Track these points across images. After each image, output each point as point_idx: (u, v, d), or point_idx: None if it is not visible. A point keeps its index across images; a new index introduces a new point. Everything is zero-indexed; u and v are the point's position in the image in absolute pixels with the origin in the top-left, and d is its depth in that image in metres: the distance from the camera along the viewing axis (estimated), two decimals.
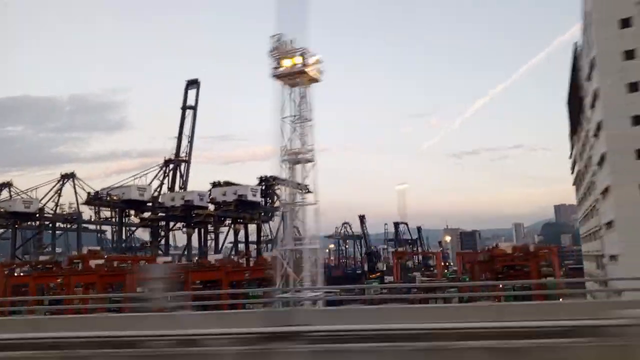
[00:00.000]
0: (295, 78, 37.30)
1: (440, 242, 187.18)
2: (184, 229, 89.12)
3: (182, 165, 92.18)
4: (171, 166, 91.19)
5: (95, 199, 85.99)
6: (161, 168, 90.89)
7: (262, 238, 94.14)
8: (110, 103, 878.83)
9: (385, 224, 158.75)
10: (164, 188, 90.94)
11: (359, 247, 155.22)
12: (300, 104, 37.93)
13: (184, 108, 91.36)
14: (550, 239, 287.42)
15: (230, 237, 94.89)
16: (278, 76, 37.37)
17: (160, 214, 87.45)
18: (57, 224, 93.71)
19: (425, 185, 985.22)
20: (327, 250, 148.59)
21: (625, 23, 41.55)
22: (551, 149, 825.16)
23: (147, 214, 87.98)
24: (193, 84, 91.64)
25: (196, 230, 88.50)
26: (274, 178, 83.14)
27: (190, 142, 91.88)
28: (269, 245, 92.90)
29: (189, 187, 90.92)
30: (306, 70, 36.89)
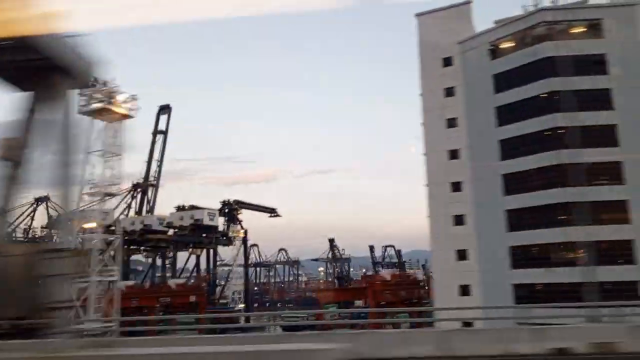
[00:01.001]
0: (104, 114, 37.11)
1: (423, 265, 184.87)
2: (144, 253, 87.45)
3: (150, 190, 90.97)
4: (139, 190, 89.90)
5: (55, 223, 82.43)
6: (129, 192, 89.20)
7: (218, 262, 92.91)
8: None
9: (371, 245, 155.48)
10: (132, 212, 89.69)
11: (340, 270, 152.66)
12: (112, 138, 37.82)
13: (155, 133, 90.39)
14: None
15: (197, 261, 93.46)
16: (85, 113, 36.80)
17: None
18: None
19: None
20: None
21: (447, 62, 44.44)
22: None
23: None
24: (165, 109, 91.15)
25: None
26: (238, 202, 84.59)
27: (159, 166, 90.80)
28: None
29: (158, 211, 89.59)
30: (113, 108, 37.03)
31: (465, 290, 39.97)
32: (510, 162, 39.33)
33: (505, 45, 41.46)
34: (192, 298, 72.33)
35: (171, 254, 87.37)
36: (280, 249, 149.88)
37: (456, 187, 41.98)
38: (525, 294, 36.94)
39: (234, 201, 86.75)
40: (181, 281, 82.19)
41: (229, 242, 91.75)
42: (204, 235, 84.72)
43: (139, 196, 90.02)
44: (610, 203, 35.84)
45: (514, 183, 39.11)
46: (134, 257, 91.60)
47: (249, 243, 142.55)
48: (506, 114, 40.30)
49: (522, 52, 40.09)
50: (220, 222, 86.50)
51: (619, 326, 12.41)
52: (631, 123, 36.60)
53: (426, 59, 45.34)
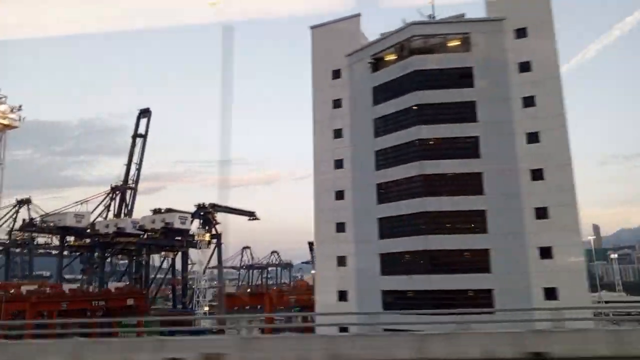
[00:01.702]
0: None
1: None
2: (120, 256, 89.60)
3: (129, 193, 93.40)
4: (117, 193, 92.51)
5: (29, 226, 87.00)
6: (107, 195, 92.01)
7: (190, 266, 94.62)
8: (118, 127, 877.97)
9: None
10: (110, 215, 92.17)
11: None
12: None
13: (134, 136, 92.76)
14: None
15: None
16: None
17: (87, 241, 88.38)
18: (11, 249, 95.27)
19: None
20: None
21: (336, 74, 45.57)
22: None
23: (87, 241, 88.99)
24: (145, 113, 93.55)
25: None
26: (214, 205, 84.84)
27: (138, 169, 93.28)
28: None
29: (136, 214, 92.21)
30: None
31: (342, 296, 41.04)
32: (383, 172, 40.49)
33: (384, 58, 42.61)
34: (130, 301, 73.63)
35: (144, 257, 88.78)
36: (273, 252, 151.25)
37: (340, 195, 43.05)
38: (392, 300, 38.08)
39: (210, 204, 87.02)
40: (121, 285, 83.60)
41: (203, 245, 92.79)
42: (178, 238, 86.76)
43: (118, 199, 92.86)
44: (470, 213, 36.94)
45: (385, 192, 40.28)
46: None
47: (242, 245, 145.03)
48: (382, 126, 41.48)
49: (396, 65, 41.25)
50: (195, 226, 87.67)
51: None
52: (493, 135, 37.73)
53: (318, 71, 46.43)
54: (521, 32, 38.90)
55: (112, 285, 79.80)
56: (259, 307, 52.07)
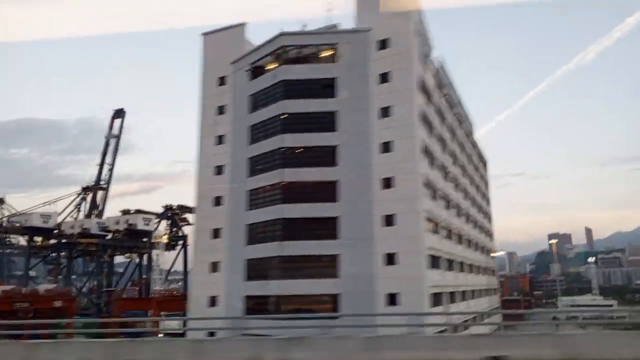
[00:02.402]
0: None
1: None
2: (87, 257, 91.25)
3: (100, 193, 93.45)
4: (89, 193, 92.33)
5: None
6: (78, 195, 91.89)
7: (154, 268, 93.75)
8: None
9: None
10: (81, 215, 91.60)
11: None
12: None
13: (108, 137, 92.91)
14: (542, 269, 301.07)
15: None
16: None
17: (52, 241, 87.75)
18: None
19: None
20: None
21: (221, 81, 46.44)
22: (552, 177, 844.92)
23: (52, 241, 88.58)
24: (119, 113, 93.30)
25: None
26: (181, 207, 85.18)
27: (111, 170, 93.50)
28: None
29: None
30: None
31: (213, 301, 41.93)
32: (253, 179, 41.44)
33: (261, 66, 43.53)
34: (58, 303, 73.39)
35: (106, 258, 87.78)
36: None
37: (217, 201, 43.93)
38: (253, 306, 39.08)
39: (178, 206, 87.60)
40: (51, 286, 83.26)
41: (161, 247, 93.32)
42: (144, 239, 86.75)
43: (89, 200, 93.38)
44: (323, 219, 37.96)
45: (254, 199, 41.22)
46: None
47: None
48: (255, 133, 42.43)
49: (268, 74, 42.20)
50: (163, 227, 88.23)
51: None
52: (351, 144, 38.78)
53: (206, 78, 47.32)
54: (384, 44, 39.98)
55: (42, 287, 79.51)
56: (148, 312, 53.06)
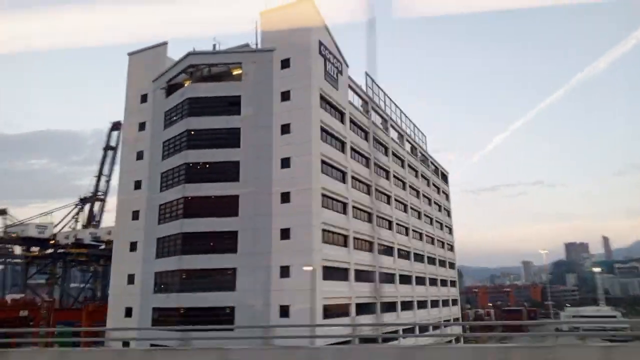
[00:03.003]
0: None
1: None
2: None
3: (98, 204, 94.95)
4: (87, 204, 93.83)
5: None
6: (76, 206, 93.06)
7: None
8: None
9: None
10: (79, 226, 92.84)
11: None
12: None
13: (106, 149, 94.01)
14: (558, 278, 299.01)
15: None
16: None
17: (49, 251, 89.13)
18: None
19: None
20: None
21: (143, 99, 47.78)
22: (571, 185, 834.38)
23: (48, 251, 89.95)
24: (117, 125, 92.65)
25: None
26: None
27: (108, 181, 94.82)
28: None
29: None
30: None
31: (128, 312, 42.85)
32: (163, 194, 42.56)
33: (175, 84, 44.85)
34: (24, 313, 74.70)
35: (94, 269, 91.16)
36: None
37: (135, 215, 45.02)
38: (158, 317, 40.01)
39: None
40: (18, 296, 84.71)
41: None
42: None
43: (87, 210, 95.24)
44: (223, 234, 38.93)
45: (162, 213, 42.31)
46: None
47: None
48: (166, 149, 43.66)
49: (178, 92, 43.50)
50: None
51: None
52: (253, 160, 39.87)
53: (131, 94, 48.69)
54: (286, 63, 41.22)
55: (9, 297, 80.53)
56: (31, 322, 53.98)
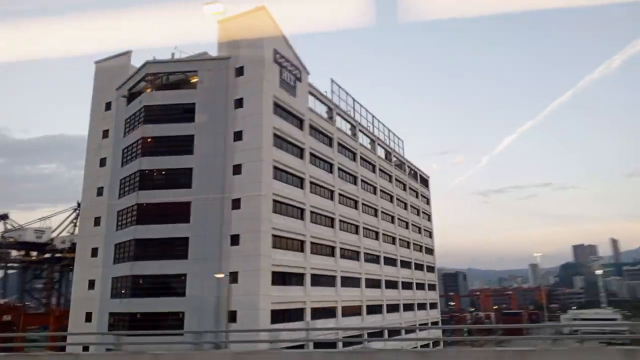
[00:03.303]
0: None
1: None
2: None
3: None
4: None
5: None
6: (74, 210, 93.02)
7: None
8: None
9: None
10: (77, 230, 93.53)
11: None
12: None
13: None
14: (565, 281, 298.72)
15: None
16: None
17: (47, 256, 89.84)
18: None
19: (449, 224, 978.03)
20: None
21: (107, 106, 48.56)
22: (580, 187, 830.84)
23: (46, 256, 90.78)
24: None
25: None
26: None
27: None
28: None
29: None
30: None
31: (88, 317, 43.52)
32: (121, 200, 43.22)
33: (135, 92, 45.57)
34: (7, 317, 75.68)
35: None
36: None
37: (97, 222, 45.72)
38: (114, 322, 40.60)
39: None
40: (1, 301, 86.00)
41: None
42: None
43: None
44: (175, 240, 39.49)
45: (120, 219, 42.96)
46: None
47: None
48: (125, 156, 44.36)
49: (136, 100, 44.22)
50: None
51: None
52: (206, 166, 40.45)
53: (96, 102, 49.50)
54: (240, 71, 41.84)
55: None
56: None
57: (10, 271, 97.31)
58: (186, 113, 41.93)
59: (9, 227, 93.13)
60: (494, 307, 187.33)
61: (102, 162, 47.16)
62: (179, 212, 39.79)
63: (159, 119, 42.05)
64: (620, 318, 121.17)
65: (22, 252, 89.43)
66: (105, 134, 47.86)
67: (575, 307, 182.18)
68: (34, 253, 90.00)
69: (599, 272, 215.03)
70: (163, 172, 41.24)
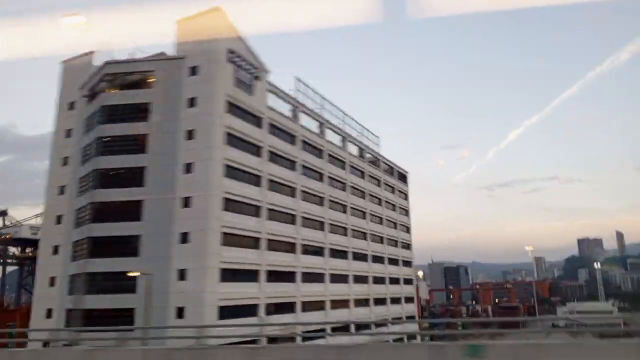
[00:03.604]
0: None
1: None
2: None
3: None
4: None
5: None
6: None
7: None
8: None
9: None
10: None
11: None
12: None
13: None
14: (570, 274, 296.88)
15: None
16: None
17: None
18: None
19: (454, 218, 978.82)
20: None
21: (71, 106, 49.26)
22: (587, 181, 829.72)
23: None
24: None
25: None
26: None
27: None
28: None
29: None
30: None
31: (49, 313, 44.43)
32: (79, 198, 44.00)
33: (96, 92, 46.17)
34: None
35: None
36: None
37: (59, 219, 46.54)
38: (69, 318, 41.50)
39: None
40: None
41: None
42: None
43: None
44: (128, 238, 40.25)
45: (78, 217, 43.76)
46: None
47: None
48: (84, 155, 45.10)
49: (96, 100, 44.88)
50: None
51: None
52: (158, 166, 41.12)
53: (62, 102, 50.19)
54: (194, 70, 42.40)
55: None
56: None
57: (11, 268, 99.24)
58: (141, 112, 42.54)
59: (7, 223, 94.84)
60: (496, 301, 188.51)
61: (65, 161, 47.87)
62: (132, 211, 40.50)
63: (115, 119, 42.73)
64: (616, 310, 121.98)
65: (19, 249, 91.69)
66: (69, 133, 48.55)
67: (574, 300, 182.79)
68: (29, 249, 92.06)
69: (597, 265, 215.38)
70: (118, 171, 41.94)
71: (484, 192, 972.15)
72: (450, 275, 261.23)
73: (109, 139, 42.52)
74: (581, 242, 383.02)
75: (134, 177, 41.27)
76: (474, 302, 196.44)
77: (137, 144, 41.94)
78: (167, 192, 40.35)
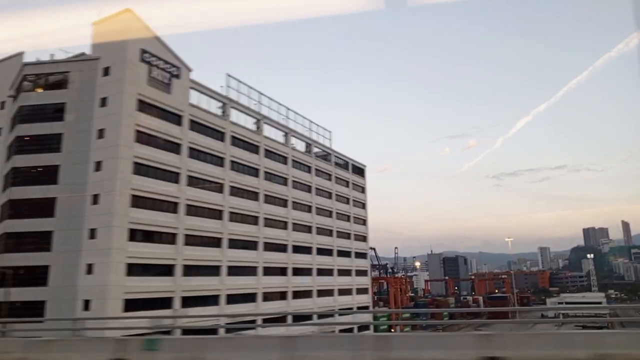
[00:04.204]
0: None
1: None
2: None
3: None
4: None
5: None
6: None
7: None
8: None
9: None
10: None
11: None
12: None
13: None
14: (575, 264, 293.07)
15: None
16: None
17: None
18: None
19: (462, 208, 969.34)
20: None
21: (2, 105, 50.77)
22: (595, 170, 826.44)
23: None
24: None
25: None
26: None
27: None
28: None
29: None
30: None
31: None
32: (1, 195, 45.68)
33: (22, 92, 47.64)
34: None
35: None
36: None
37: None
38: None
39: None
40: None
41: None
42: None
43: None
44: (41, 233, 41.88)
45: (1, 214, 45.46)
46: None
47: None
48: (7, 153, 46.64)
49: (17, 100, 46.34)
50: None
51: None
52: (72, 164, 42.60)
53: None
54: (107, 71, 43.68)
55: None
56: None
57: None
58: (58, 112, 43.99)
59: None
60: (488, 292, 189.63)
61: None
62: (46, 208, 42.09)
63: (33, 118, 44.20)
64: (605, 301, 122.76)
65: None
66: (0, 132, 50.16)
67: (568, 291, 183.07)
68: None
69: (590, 256, 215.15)
70: (34, 169, 43.48)
71: (493, 182, 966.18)
72: (450, 265, 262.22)
73: (27, 138, 44.02)
74: (587, 232, 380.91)
75: (49, 175, 42.80)
76: (473, 293, 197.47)
77: (52, 143, 43.39)
78: (79, 190, 41.86)
